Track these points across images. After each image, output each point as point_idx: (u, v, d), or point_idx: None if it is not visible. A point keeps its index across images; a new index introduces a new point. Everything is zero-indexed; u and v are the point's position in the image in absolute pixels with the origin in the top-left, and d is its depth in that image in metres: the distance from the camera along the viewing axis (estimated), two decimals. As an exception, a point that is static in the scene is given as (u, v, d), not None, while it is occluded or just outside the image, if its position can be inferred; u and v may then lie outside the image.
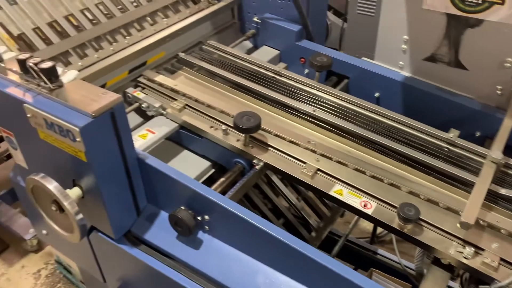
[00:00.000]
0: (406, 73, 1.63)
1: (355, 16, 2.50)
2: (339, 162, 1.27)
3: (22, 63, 1.11)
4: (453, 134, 1.33)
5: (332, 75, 1.72)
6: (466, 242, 1.07)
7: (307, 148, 1.31)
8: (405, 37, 1.59)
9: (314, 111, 1.43)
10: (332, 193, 1.18)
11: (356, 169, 1.25)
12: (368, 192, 1.19)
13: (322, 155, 1.29)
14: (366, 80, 1.64)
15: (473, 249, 1.05)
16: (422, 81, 1.58)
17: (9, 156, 1.58)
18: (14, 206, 2.39)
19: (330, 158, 1.28)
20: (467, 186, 1.20)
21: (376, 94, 1.63)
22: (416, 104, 1.55)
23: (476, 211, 1.07)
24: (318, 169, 1.24)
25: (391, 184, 1.22)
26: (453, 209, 1.15)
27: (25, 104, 1.08)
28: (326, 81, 1.71)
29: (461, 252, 1.05)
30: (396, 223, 1.11)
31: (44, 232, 1.54)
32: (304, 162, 1.26)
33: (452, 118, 1.47)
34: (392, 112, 1.44)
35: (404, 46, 1.61)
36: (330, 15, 3.08)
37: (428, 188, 1.22)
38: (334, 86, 1.65)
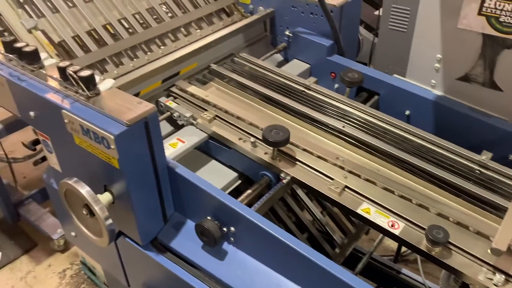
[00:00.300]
0: (438, 92, 1.61)
1: (386, 31, 2.49)
2: (367, 180, 1.26)
3: (62, 70, 1.15)
4: (485, 156, 1.31)
5: (362, 91, 1.71)
6: (497, 269, 1.05)
7: (335, 164, 1.30)
8: (439, 56, 1.57)
9: (343, 127, 1.42)
10: (359, 211, 1.18)
11: (385, 188, 1.24)
12: (396, 212, 1.17)
13: (350, 172, 1.28)
14: (397, 98, 1.62)
15: (503, 276, 1.02)
16: (454, 101, 1.55)
17: (44, 159, 1.63)
18: (44, 206, 2.46)
19: (359, 176, 1.27)
20: (498, 210, 1.18)
21: (407, 112, 1.61)
22: (448, 124, 1.52)
23: (508, 238, 1.04)
24: (346, 186, 1.23)
25: (420, 205, 1.20)
26: (483, 234, 1.12)
27: (63, 110, 1.12)
28: (356, 96, 1.70)
29: (491, 279, 1.03)
30: (424, 245, 1.09)
31: (73, 234, 1.58)
32: (332, 179, 1.25)
33: (484, 140, 1.44)
34: (423, 131, 1.42)
35: (437, 64, 1.59)
36: (361, 29, 3.08)
37: (458, 211, 1.19)
38: (364, 102, 1.64)
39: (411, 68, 1.71)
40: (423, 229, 1.12)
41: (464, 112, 1.50)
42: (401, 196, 1.22)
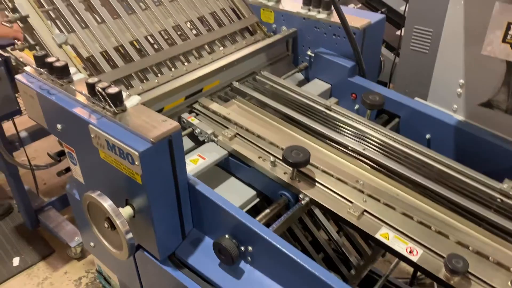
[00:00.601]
0: (459, 117, 1.61)
1: (408, 52, 2.49)
2: (386, 204, 1.26)
3: (91, 86, 1.19)
4: (507, 185, 1.29)
5: (383, 112, 1.72)
6: (517, 302, 1.03)
7: (354, 187, 1.30)
8: (461, 81, 1.57)
9: (363, 149, 1.43)
10: (377, 236, 1.17)
11: (404, 214, 1.23)
12: (415, 238, 1.16)
13: (370, 196, 1.28)
14: (418, 121, 1.62)
15: (524, 310, 1.01)
16: (476, 127, 1.55)
17: (67, 170, 1.66)
18: (63, 213, 2.50)
19: (378, 200, 1.27)
20: (520, 241, 1.16)
21: (427, 136, 1.61)
22: (469, 149, 1.51)
23: (529, 270, 1.03)
24: (365, 210, 1.23)
25: (439, 232, 1.19)
26: (504, 265, 1.11)
27: (90, 125, 1.16)
28: (377, 118, 1.70)
29: (511, 312, 1.01)
30: (442, 273, 1.08)
31: (92, 244, 1.60)
32: (351, 202, 1.26)
33: (506, 168, 1.43)
34: (443, 157, 1.42)
35: (459, 89, 1.59)
36: (383, 48, 3.08)
37: (478, 240, 1.18)
38: (385, 124, 1.64)
39: (432, 92, 1.71)
40: (442, 257, 1.11)
41: (486, 139, 1.49)
42: (420, 223, 1.22)
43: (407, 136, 1.51)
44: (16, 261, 2.37)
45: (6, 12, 1.50)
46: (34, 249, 2.43)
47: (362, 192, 1.29)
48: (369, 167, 1.39)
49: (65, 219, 2.44)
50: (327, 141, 1.49)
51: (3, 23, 1.48)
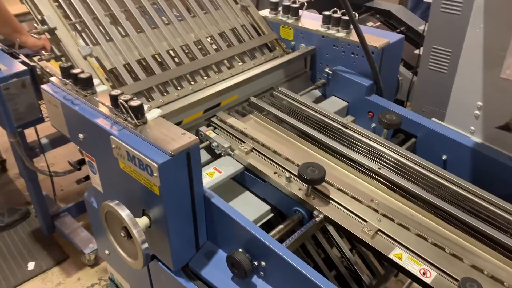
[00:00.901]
0: (477, 139, 1.60)
1: (426, 71, 2.51)
2: (401, 225, 1.26)
3: (114, 98, 1.22)
4: (524, 209, 1.28)
5: (400, 132, 1.72)
6: (532, 329, 1.02)
7: (369, 206, 1.31)
8: (479, 103, 1.57)
9: (379, 168, 1.43)
10: (391, 256, 1.17)
11: (418, 234, 1.23)
12: (429, 260, 1.16)
13: (384, 216, 1.28)
14: (434, 142, 1.62)
15: (539, 338, 1.00)
16: (493, 149, 1.54)
17: (86, 178, 1.70)
18: (78, 219, 2.54)
19: (392, 220, 1.27)
20: (536, 267, 1.15)
21: (444, 157, 1.60)
22: (486, 172, 1.50)
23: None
24: (379, 230, 1.23)
25: (453, 255, 1.19)
26: (519, 291, 1.10)
27: (111, 136, 1.19)
28: (393, 137, 1.71)
29: None
30: (456, 297, 1.08)
31: (107, 252, 1.63)
32: (365, 221, 1.26)
33: (524, 192, 1.42)
34: (459, 178, 1.41)
35: (477, 112, 1.59)
36: (400, 67, 3.08)
37: (493, 264, 1.17)
38: (401, 144, 1.64)
39: (450, 113, 1.71)
40: (456, 280, 1.11)
41: (503, 162, 1.48)
42: (435, 244, 1.21)
43: (423, 157, 1.51)
44: (31, 265, 2.40)
45: (35, 24, 1.56)
46: (49, 254, 2.47)
47: (377, 211, 1.30)
48: (384, 187, 1.39)
49: (80, 225, 2.47)
50: (343, 158, 1.50)
51: (32, 34, 1.54)
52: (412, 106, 2.73)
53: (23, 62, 1.74)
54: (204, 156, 1.57)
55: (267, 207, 1.45)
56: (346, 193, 1.35)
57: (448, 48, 2.36)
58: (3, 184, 3.03)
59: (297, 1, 1.98)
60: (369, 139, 1.57)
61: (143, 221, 1.22)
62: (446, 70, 2.42)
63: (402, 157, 1.50)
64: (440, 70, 2.45)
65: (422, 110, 2.58)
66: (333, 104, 1.87)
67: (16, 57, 1.80)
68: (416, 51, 3.01)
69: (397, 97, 3.01)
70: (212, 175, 1.43)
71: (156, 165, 1.07)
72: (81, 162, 1.67)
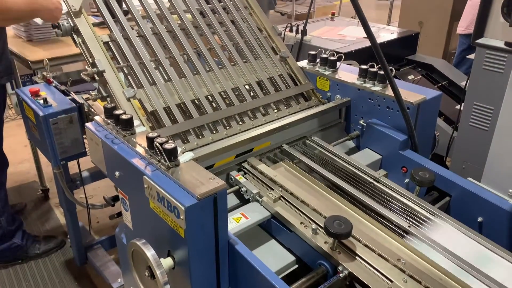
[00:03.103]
0: (516, 203, 1.53)
1: (467, 127, 2.45)
2: (428, 288, 1.21)
3: (150, 140, 1.28)
4: None
5: (434, 189, 1.68)
6: None
7: (395, 266, 1.27)
8: (519, 165, 1.52)
9: (409, 226, 1.40)
10: (415, 320, 1.12)
11: (446, 300, 1.18)
12: (456, 328, 1.10)
13: (411, 277, 1.24)
14: (470, 202, 1.57)
15: None
16: (533, 215, 1.47)
17: (119, 214, 1.76)
18: (110, 253, 2.59)
19: (419, 282, 1.22)
20: None
21: (479, 219, 1.54)
22: (524, 239, 1.43)
23: None
24: (404, 291, 1.19)
25: (484, 326, 1.12)
26: None
27: (144, 176, 1.24)
28: (426, 195, 1.67)
29: None
30: None
31: (132, 289, 1.65)
32: (391, 281, 1.22)
33: None
34: (494, 243, 1.35)
35: (516, 174, 1.53)
36: (440, 121, 3.04)
37: None
38: (434, 202, 1.60)
39: (487, 173, 1.65)
40: None
41: (543, 229, 1.41)
42: (464, 312, 1.15)
43: (457, 217, 1.46)
44: (60, 294, 2.46)
45: (86, 66, 1.68)
46: (79, 285, 2.52)
47: (404, 271, 1.25)
48: (413, 246, 1.35)
49: (111, 259, 2.51)
50: (372, 213, 1.47)
51: (82, 75, 1.66)
52: (451, 162, 2.66)
53: (72, 100, 1.85)
54: (233, 200, 1.59)
55: (292, 258, 1.43)
56: (373, 250, 1.32)
57: (490, 106, 2.31)
58: (44, 212, 3.16)
59: (335, 55, 2.03)
60: (401, 195, 1.54)
61: (167, 262, 1.24)
62: (488, 128, 2.36)
63: (434, 216, 1.46)
64: (481, 127, 2.39)
65: (462, 167, 2.51)
66: (366, 157, 1.86)
67: (67, 94, 1.92)
68: (457, 107, 2.96)
69: (437, 151, 2.96)
70: (238, 221, 1.44)
71: (183, 208, 1.10)
72: (115, 199, 1.73)
